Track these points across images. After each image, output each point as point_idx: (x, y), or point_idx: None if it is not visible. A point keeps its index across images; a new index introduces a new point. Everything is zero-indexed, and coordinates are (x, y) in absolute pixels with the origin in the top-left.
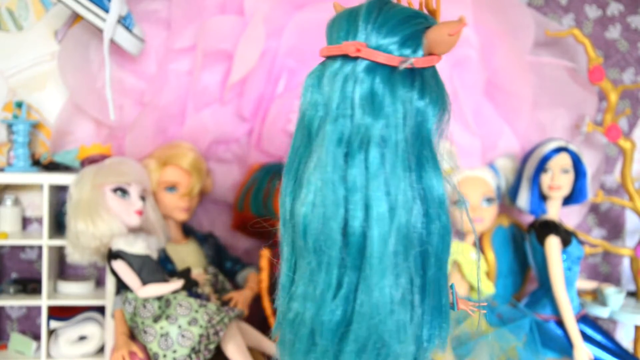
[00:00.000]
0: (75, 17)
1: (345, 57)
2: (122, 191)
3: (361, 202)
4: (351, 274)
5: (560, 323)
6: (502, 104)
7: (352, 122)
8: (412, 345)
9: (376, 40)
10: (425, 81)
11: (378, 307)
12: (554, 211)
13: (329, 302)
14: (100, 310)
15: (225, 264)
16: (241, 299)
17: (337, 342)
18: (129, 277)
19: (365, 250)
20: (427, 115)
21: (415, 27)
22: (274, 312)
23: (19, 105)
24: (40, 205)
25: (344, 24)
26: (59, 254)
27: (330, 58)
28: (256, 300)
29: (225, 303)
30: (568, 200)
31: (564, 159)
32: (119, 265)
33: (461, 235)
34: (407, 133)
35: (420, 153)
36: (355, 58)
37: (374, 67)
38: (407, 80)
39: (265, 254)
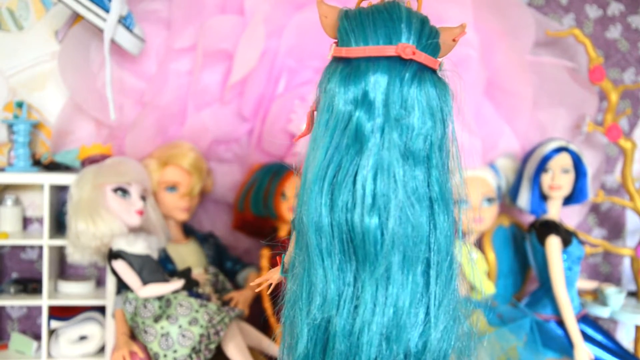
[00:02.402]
0: (76, 17)
1: (391, 59)
2: (122, 191)
3: (444, 210)
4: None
5: (560, 323)
6: (502, 104)
7: (416, 126)
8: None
9: (419, 43)
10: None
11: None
12: (555, 211)
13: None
14: (101, 310)
15: (226, 264)
16: (242, 299)
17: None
18: (130, 277)
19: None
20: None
21: (437, 31)
22: (274, 312)
23: (20, 105)
24: (40, 205)
25: (381, 25)
26: (60, 254)
27: (363, 59)
28: (256, 300)
29: (225, 303)
30: (568, 200)
31: (564, 159)
32: (120, 265)
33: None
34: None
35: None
36: (406, 60)
37: (422, 70)
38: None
39: (265, 254)
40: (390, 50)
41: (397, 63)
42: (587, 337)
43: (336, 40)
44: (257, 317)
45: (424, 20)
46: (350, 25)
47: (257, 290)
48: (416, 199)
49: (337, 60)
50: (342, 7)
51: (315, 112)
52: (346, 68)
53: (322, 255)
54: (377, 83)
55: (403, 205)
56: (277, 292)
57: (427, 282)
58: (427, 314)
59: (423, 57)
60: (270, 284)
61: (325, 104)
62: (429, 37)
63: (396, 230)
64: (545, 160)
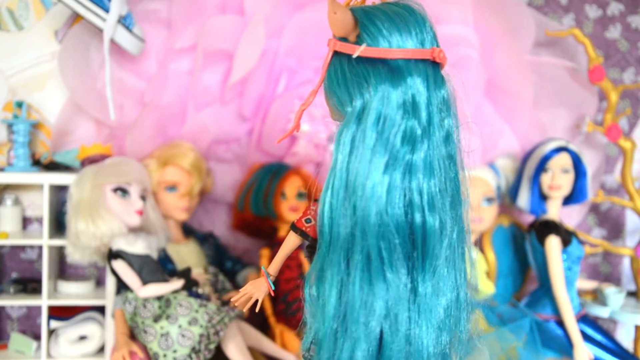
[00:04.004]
0: (76, 17)
1: (426, 61)
2: (122, 191)
3: (467, 207)
4: None
5: (560, 323)
6: (502, 104)
7: (447, 126)
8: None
9: (437, 44)
10: None
11: None
12: (554, 211)
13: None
14: (101, 310)
15: (226, 264)
16: None
17: None
18: (129, 277)
19: None
20: None
21: None
22: (274, 312)
23: (19, 105)
24: (40, 205)
25: (412, 27)
26: (59, 254)
27: (402, 61)
28: (256, 301)
29: (225, 303)
30: (568, 200)
31: (564, 159)
32: (119, 265)
33: None
34: None
35: None
36: (434, 62)
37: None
38: None
39: (264, 254)
40: (427, 54)
41: (430, 65)
42: (586, 337)
43: (336, 38)
44: (257, 317)
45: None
46: (377, 24)
47: (235, 306)
48: (458, 197)
49: (366, 61)
50: (354, 5)
51: (333, 115)
52: (389, 71)
53: (385, 261)
54: (419, 86)
55: (452, 202)
56: (277, 294)
57: (456, 278)
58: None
59: (445, 60)
60: (256, 301)
61: (370, 107)
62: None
63: (450, 227)
64: (545, 160)
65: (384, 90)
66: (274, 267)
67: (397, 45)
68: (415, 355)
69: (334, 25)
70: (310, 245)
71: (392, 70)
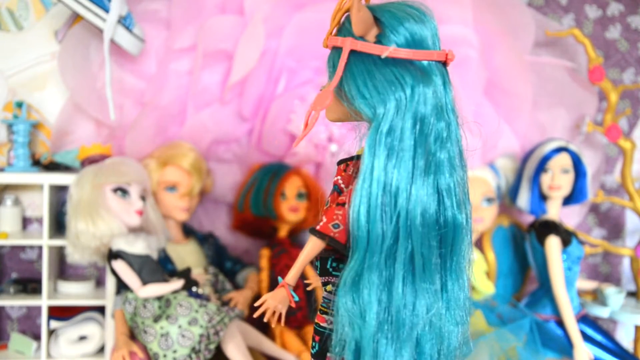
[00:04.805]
0: (76, 17)
1: (439, 63)
2: (122, 191)
3: None
4: None
5: (560, 323)
6: (502, 104)
7: (457, 124)
8: None
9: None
10: None
11: None
12: (554, 211)
13: None
14: (101, 310)
15: (225, 264)
16: (241, 299)
17: None
18: (129, 277)
19: None
20: None
21: None
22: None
23: (19, 105)
24: (40, 205)
25: (429, 29)
26: (59, 254)
27: (427, 62)
28: (256, 301)
29: (225, 303)
30: (568, 200)
31: (564, 159)
32: (119, 265)
33: None
34: None
35: None
36: (444, 63)
37: None
38: None
39: (264, 254)
40: (444, 55)
41: (442, 66)
42: (586, 337)
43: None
44: (257, 317)
45: None
46: (404, 25)
47: (261, 317)
48: (467, 195)
49: (393, 62)
50: (373, 4)
51: (343, 115)
52: (419, 71)
53: (426, 261)
54: (441, 87)
55: (466, 199)
56: None
57: (468, 272)
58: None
59: (452, 59)
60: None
61: (406, 108)
62: None
63: (470, 224)
64: (545, 160)
65: (421, 91)
66: (293, 276)
67: (421, 46)
68: (445, 350)
69: (359, 24)
70: (329, 250)
71: (422, 71)
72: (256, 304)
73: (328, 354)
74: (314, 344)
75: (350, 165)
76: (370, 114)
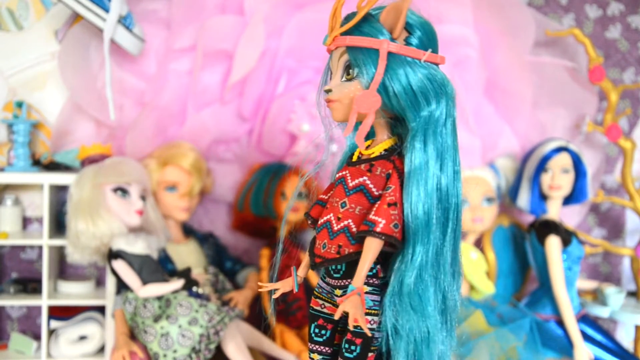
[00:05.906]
0: (76, 17)
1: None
2: (122, 191)
3: None
4: None
5: (560, 323)
6: (502, 104)
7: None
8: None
9: None
10: None
11: None
12: (554, 211)
13: None
14: (101, 310)
15: (225, 264)
16: (241, 299)
17: None
18: (129, 276)
19: None
20: None
21: None
22: (275, 311)
23: (19, 105)
24: (40, 205)
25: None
26: (59, 254)
27: (430, 64)
28: (256, 300)
29: (225, 303)
30: (568, 200)
31: (564, 159)
32: (119, 265)
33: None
34: None
35: None
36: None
37: None
38: None
39: (264, 253)
40: (443, 60)
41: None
42: (587, 337)
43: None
44: (257, 317)
45: None
46: (433, 31)
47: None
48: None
49: (428, 65)
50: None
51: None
52: (444, 75)
53: (457, 246)
54: (448, 87)
55: None
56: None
57: None
58: None
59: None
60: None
61: (446, 112)
62: None
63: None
64: (545, 160)
65: (451, 94)
66: (360, 279)
67: (437, 51)
68: (453, 314)
69: (400, 27)
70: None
71: (444, 76)
72: (336, 316)
73: (370, 354)
74: (353, 347)
75: (375, 165)
76: (410, 115)
